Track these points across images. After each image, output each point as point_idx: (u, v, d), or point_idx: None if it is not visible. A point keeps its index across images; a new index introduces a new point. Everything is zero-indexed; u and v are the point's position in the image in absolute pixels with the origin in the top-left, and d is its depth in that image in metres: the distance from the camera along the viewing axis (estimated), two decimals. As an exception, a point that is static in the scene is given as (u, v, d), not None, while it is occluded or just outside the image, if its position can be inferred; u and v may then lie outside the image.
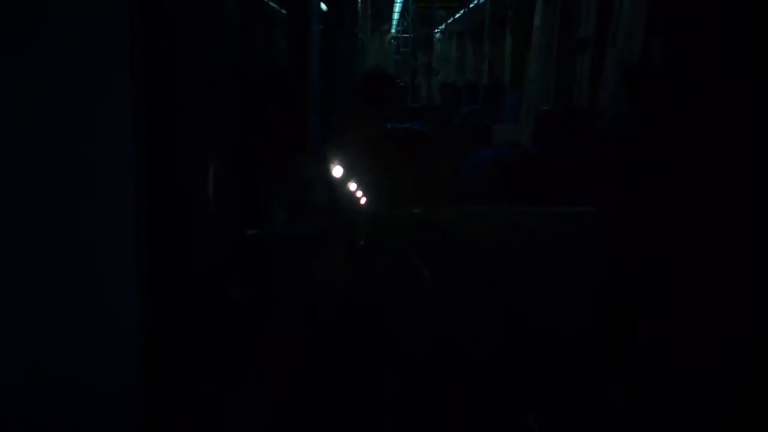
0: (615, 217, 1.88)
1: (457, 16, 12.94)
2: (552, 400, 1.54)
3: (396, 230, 1.94)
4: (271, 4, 3.08)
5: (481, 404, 1.54)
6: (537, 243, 1.86)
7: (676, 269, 1.40)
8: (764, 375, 1.24)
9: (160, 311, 0.78)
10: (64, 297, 0.76)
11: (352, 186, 2.12)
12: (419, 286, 1.77)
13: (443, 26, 15.58)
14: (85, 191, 0.72)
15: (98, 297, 0.76)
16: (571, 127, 3.71)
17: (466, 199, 2.59)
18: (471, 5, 10.91)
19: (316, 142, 2.09)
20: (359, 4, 6.15)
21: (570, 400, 1.54)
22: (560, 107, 5.70)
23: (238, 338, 1.25)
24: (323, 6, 3.84)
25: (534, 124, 4.34)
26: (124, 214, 0.72)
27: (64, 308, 0.76)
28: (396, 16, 14.91)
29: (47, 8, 0.68)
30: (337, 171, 2.07)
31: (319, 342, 1.57)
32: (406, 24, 15.10)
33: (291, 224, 1.86)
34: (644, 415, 1.46)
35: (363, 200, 2.10)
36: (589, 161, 2.57)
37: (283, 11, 3.11)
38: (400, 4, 13.49)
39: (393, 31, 16.15)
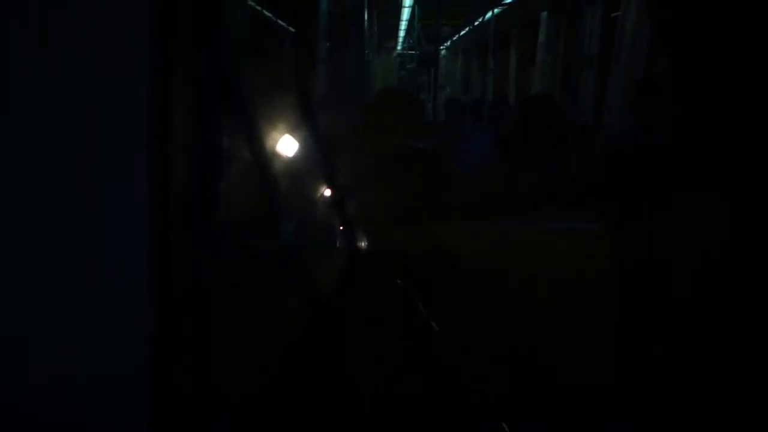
0: (623, 233, 1.88)
1: (462, 33, 13.01)
2: (554, 408, 1.54)
3: (402, 248, 1.94)
4: (280, 22, 3.12)
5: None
6: (546, 261, 1.87)
7: (682, 284, 1.40)
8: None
9: (170, 316, 0.79)
10: (68, 299, 0.76)
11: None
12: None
13: (449, 43, 15.67)
14: (93, 195, 0.72)
15: (106, 303, 0.76)
16: (576, 143, 3.72)
17: (469, 214, 2.59)
18: (476, 23, 10.98)
19: (321, 155, 2.11)
20: (366, 22, 6.20)
21: (573, 409, 1.53)
22: (565, 124, 5.71)
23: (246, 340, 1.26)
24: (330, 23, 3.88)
25: (539, 140, 4.34)
26: (135, 220, 0.73)
27: (68, 311, 0.76)
28: (402, 33, 15.01)
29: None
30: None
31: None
32: (412, 41, 15.17)
33: (298, 236, 1.88)
34: (649, 428, 1.46)
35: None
36: (596, 177, 2.57)
37: (291, 29, 3.16)
38: (406, 22, 13.58)
39: (399, 48, 16.23)
